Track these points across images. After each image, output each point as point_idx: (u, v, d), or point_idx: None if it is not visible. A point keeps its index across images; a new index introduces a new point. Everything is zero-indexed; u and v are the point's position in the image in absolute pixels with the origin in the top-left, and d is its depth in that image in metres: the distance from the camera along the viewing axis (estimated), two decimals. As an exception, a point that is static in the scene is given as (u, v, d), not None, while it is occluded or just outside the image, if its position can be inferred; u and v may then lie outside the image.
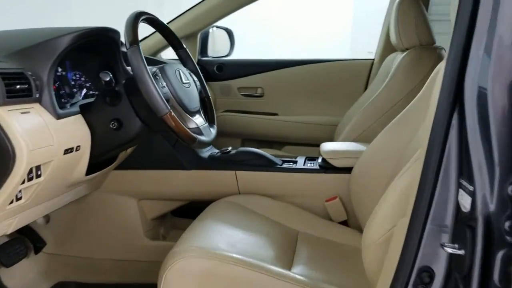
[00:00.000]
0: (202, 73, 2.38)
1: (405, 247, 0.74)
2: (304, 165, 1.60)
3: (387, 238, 0.94)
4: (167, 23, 2.15)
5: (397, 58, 1.96)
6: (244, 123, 2.44)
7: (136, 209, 1.62)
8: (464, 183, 0.70)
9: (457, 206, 0.73)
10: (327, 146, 1.62)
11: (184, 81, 1.30)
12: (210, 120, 1.42)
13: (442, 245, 0.70)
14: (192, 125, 1.24)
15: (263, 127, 2.42)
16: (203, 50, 2.50)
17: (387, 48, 2.26)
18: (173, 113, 1.11)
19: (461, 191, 0.72)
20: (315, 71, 2.39)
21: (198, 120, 1.29)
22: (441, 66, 1.32)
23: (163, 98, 1.10)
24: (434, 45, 1.80)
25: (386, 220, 0.96)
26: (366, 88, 2.33)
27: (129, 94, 1.19)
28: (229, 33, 2.58)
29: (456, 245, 0.69)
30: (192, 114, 1.27)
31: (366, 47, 5.71)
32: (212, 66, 2.47)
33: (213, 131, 1.36)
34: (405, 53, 1.75)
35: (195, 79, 1.41)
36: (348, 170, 1.49)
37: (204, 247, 1.11)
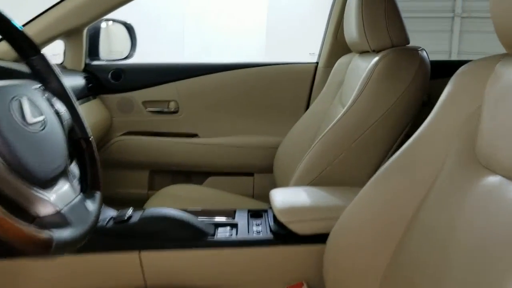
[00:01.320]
0: (92, 82, 1.77)
1: None
2: (248, 230, 1.04)
3: None
4: (38, 16, 1.51)
5: (355, 62, 1.51)
6: (152, 149, 1.86)
7: None
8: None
9: None
10: (280, 198, 1.08)
11: (30, 121, 0.68)
12: (91, 184, 0.80)
13: None
14: (44, 210, 0.62)
15: (179, 153, 1.86)
16: (93, 51, 1.87)
17: (335, 49, 1.81)
18: None
19: None
20: (245, 79, 1.86)
21: (60, 192, 0.67)
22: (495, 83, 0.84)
23: None
24: (410, 46, 1.36)
25: None
26: (309, 98, 1.87)
27: None
28: (129, 28, 2.00)
29: None
30: (47, 184, 0.66)
31: (282, 47, 5.60)
32: (105, 72, 1.85)
33: (94, 207, 0.75)
34: (377, 57, 1.26)
35: (62, 109, 0.80)
36: (319, 239, 0.97)
37: None
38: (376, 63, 1.25)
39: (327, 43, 1.85)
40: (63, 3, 1.55)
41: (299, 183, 1.26)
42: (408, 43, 1.37)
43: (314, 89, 1.85)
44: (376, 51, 1.34)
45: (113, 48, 2.10)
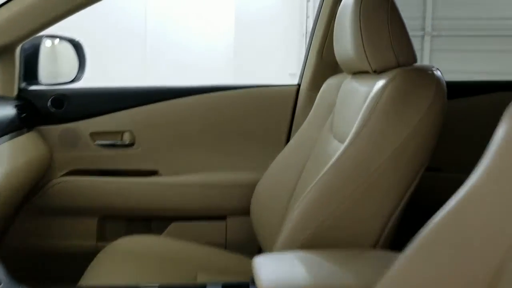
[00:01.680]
0: (26, 111, 1.48)
1: None
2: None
3: None
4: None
5: (349, 84, 1.27)
6: (102, 191, 1.58)
7: None
8: None
9: None
10: (268, 277, 0.79)
11: None
12: None
13: None
14: None
15: (135, 195, 1.58)
16: (30, 74, 1.57)
17: (321, 69, 1.60)
18: None
19: None
20: (215, 104, 1.62)
21: None
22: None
23: None
24: (419, 65, 1.13)
25: None
26: (291, 127, 1.63)
27: None
28: (77, 46, 1.73)
29: None
30: None
31: (251, 65, 5.46)
32: (44, 99, 1.56)
33: None
34: (383, 80, 1.02)
35: None
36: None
37: None
38: (384, 88, 0.99)
39: (310, 62, 1.62)
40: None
41: (290, 241, 0.98)
42: (416, 61, 1.14)
43: (296, 115, 1.62)
44: (377, 72, 1.10)
45: (60, 70, 1.82)
